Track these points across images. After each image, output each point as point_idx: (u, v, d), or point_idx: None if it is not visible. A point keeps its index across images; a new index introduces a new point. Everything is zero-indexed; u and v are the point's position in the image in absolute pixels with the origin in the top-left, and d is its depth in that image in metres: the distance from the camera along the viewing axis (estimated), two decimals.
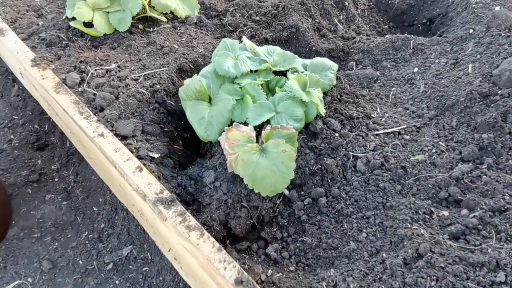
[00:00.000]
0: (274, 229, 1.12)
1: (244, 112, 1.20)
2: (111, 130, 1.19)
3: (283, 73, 1.34)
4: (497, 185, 0.95)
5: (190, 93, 1.22)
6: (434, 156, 1.09)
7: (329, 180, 1.15)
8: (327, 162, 1.16)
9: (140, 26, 1.76)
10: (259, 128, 1.19)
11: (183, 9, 1.83)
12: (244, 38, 1.40)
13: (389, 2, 2.17)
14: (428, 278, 0.75)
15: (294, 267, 0.98)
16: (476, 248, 0.82)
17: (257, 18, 1.83)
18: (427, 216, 0.93)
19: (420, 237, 0.84)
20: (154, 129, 1.27)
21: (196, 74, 1.24)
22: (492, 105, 1.14)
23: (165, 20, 1.75)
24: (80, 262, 1.37)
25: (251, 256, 1.07)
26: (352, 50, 1.70)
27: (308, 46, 1.70)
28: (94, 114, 1.24)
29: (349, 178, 1.13)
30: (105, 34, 1.66)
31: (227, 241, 1.11)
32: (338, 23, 1.88)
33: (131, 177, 1.05)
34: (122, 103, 1.26)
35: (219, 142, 1.22)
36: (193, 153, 1.41)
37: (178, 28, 1.75)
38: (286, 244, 1.07)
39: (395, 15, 2.16)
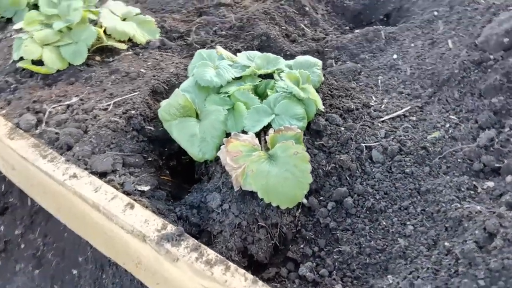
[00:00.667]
0: (302, 246, 0.96)
1: (239, 120, 1.06)
2: (86, 169, 0.99)
3: (268, 76, 1.24)
4: None
5: (174, 111, 1.06)
6: (450, 131, 1.02)
7: (348, 178, 1.03)
8: (342, 158, 1.04)
9: (98, 58, 1.59)
10: (257, 136, 1.05)
11: (143, 35, 1.70)
12: (219, 48, 1.30)
13: (345, 5, 2.21)
14: None
15: (340, 284, 0.82)
16: None
17: (223, 33, 1.75)
18: (472, 192, 0.84)
19: (480, 214, 0.74)
20: (136, 160, 1.08)
21: (177, 89, 1.10)
22: (489, 70, 1.11)
23: (125, 47, 1.60)
24: None
25: (283, 284, 0.89)
26: (326, 49, 1.66)
27: (282, 52, 1.63)
28: (61, 154, 1.03)
29: (369, 171, 1.02)
30: (58, 70, 1.47)
31: (249, 272, 0.93)
32: (304, 27, 1.86)
33: (121, 218, 0.85)
34: (93, 137, 1.07)
35: (216, 159, 1.07)
36: (184, 182, 1.23)
37: (140, 54, 1.61)
38: (320, 259, 0.92)
39: (353, 16, 2.20)
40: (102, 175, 0.99)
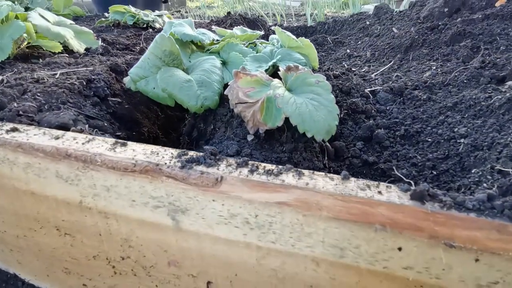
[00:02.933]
0: None
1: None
2: (30, 125, 0.66)
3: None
4: None
5: (156, 61, 0.85)
6: (439, 70, 1.06)
7: (365, 120, 0.93)
8: (354, 101, 0.95)
9: (21, 63, 1.28)
10: None
11: (79, 44, 1.47)
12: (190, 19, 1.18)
13: None
14: None
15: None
16: None
17: None
18: (498, 92, 0.82)
19: None
20: (105, 124, 0.79)
21: (161, 32, 0.90)
22: (443, 30, 1.25)
23: (60, 49, 1.34)
24: None
25: None
26: None
27: None
28: None
29: (384, 109, 0.94)
30: None
31: None
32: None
33: (111, 155, 0.55)
34: (39, 94, 0.76)
35: (214, 116, 0.86)
36: None
37: (80, 58, 1.36)
38: None
39: None
40: (60, 128, 0.67)
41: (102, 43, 1.48)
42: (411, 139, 0.82)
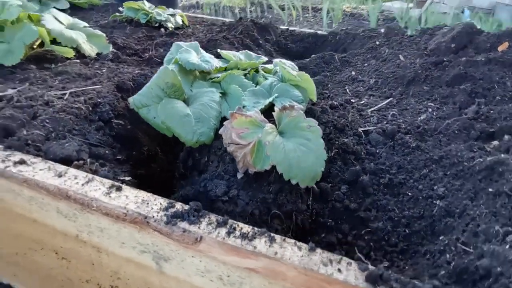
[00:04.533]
0: (323, 235, 0.82)
1: (234, 103, 0.95)
2: (37, 156, 0.72)
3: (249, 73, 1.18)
4: (510, 111, 0.97)
5: (158, 91, 0.90)
6: (435, 113, 1.08)
7: (353, 161, 0.97)
8: (345, 141, 0.99)
9: (33, 65, 1.34)
10: None
11: (91, 48, 1.52)
12: (196, 43, 1.21)
13: (288, 46, 2.40)
14: None
15: (385, 261, 0.69)
16: None
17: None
18: (483, 151, 0.85)
19: (508, 159, 0.74)
20: (107, 152, 0.85)
21: (164, 65, 0.95)
22: (447, 68, 1.25)
23: (72, 54, 1.39)
24: None
25: None
26: None
27: None
28: None
29: (374, 152, 0.97)
30: None
31: None
32: (262, 56, 1.92)
33: (106, 201, 0.60)
34: (48, 121, 0.81)
35: (209, 149, 0.91)
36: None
37: (91, 64, 1.41)
38: (350, 246, 0.78)
39: (296, 56, 2.39)
40: (64, 161, 0.73)
41: (112, 49, 1.52)
42: (393, 190, 0.86)
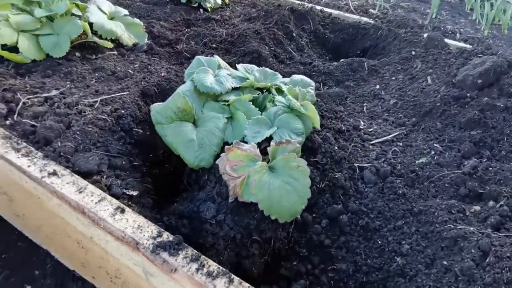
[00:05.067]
0: (295, 263, 0.94)
1: (238, 130, 1.04)
2: (67, 167, 0.89)
3: (264, 91, 1.24)
4: (505, 174, 0.97)
5: (171, 113, 1.02)
6: (436, 157, 1.09)
7: (341, 196, 1.04)
8: (336, 176, 1.06)
9: (78, 54, 1.49)
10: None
11: (129, 37, 1.64)
12: (217, 57, 1.29)
13: (326, 37, 2.34)
14: (503, 271, 0.67)
15: None
16: None
17: (214, 45, 1.75)
18: (461, 215, 0.88)
19: (474, 235, 0.78)
20: (123, 162, 1.00)
21: (178, 91, 1.05)
22: (467, 106, 1.22)
23: (111, 46, 1.52)
24: None
25: None
26: (313, 73, 1.72)
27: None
28: (37, 149, 0.92)
29: (362, 190, 1.04)
30: (34, 61, 1.35)
31: None
32: (291, 51, 1.92)
33: (110, 222, 0.76)
34: (78, 133, 0.98)
35: (209, 169, 1.02)
36: (166, 192, 1.16)
37: (126, 56, 1.54)
38: (314, 277, 0.89)
39: (332, 47, 2.33)
40: (86, 175, 0.89)
41: (147, 41, 1.63)
42: (367, 233, 0.94)
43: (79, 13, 1.55)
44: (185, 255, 0.72)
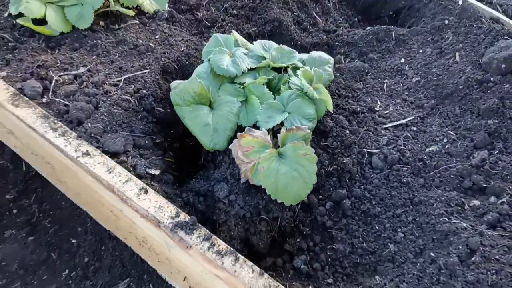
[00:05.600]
0: (298, 240, 1.04)
1: (251, 114, 1.09)
2: (98, 147, 1.00)
3: (281, 70, 1.25)
4: None
5: (188, 97, 1.07)
6: (447, 146, 1.10)
7: (347, 181, 1.10)
8: (344, 161, 1.10)
9: (102, 23, 1.53)
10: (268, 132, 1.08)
11: (150, 4, 1.64)
12: (235, 33, 1.29)
13: None
14: (488, 272, 0.73)
15: (331, 278, 0.91)
16: None
17: (234, 12, 1.71)
18: (460, 208, 0.92)
19: (465, 231, 0.83)
20: (146, 142, 1.10)
21: (194, 75, 1.10)
22: (489, 91, 1.17)
23: (133, 14, 1.54)
24: None
25: (278, 273, 0.97)
26: (336, 44, 1.67)
27: (292, 41, 1.63)
28: (71, 129, 1.03)
29: (368, 176, 1.08)
30: (62, 33, 1.41)
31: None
32: (316, 16, 1.84)
33: (136, 201, 0.88)
34: (105, 114, 1.07)
35: (225, 151, 1.10)
36: (187, 164, 1.26)
37: (148, 25, 1.56)
38: (314, 254, 1.00)
39: (363, 7, 2.18)
40: (114, 155, 1.00)
41: (168, 8, 1.63)
42: (366, 218, 1.01)
43: None
44: (199, 235, 0.84)
